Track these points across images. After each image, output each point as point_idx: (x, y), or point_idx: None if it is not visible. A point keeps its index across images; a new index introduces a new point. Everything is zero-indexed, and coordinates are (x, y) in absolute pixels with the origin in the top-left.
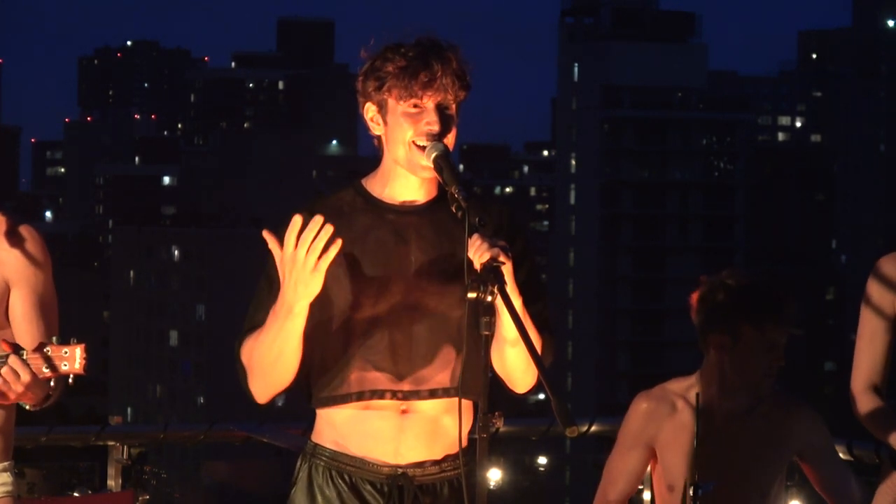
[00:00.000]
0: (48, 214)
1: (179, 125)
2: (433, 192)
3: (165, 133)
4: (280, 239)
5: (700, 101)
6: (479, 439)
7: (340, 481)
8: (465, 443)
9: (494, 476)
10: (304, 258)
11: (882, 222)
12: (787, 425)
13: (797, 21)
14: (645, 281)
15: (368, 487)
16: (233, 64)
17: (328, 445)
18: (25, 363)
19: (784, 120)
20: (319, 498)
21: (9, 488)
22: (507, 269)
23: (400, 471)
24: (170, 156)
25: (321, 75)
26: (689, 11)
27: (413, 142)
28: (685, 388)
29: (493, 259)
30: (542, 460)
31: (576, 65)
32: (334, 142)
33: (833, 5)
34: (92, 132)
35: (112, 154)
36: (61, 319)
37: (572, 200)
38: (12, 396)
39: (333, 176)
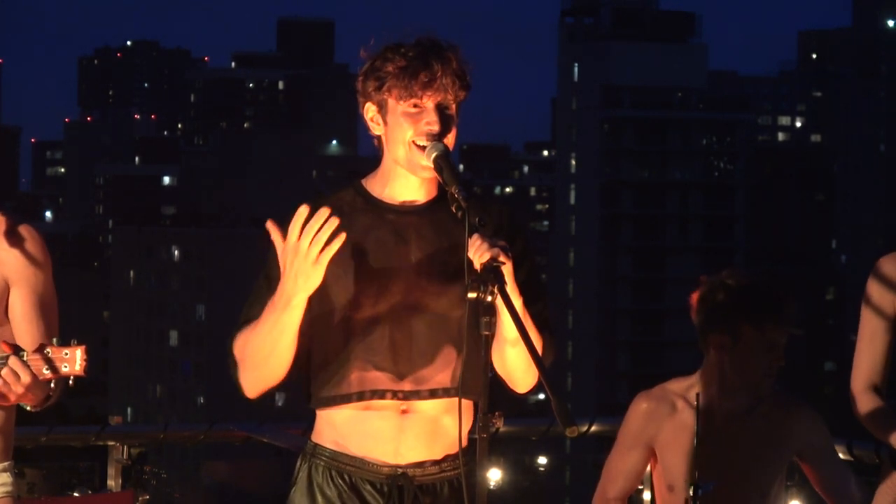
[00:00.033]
0: (48, 214)
1: (179, 125)
2: (433, 192)
3: (165, 133)
4: (284, 231)
5: (700, 101)
6: (479, 439)
7: (340, 481)
8: (465, 443)
9: (494, 476)
10: (307, 249)
11: (882, 222)
12: (787, 425)
13: (797, 21)
14: (645, 281)
15: (368, 487)
16: (233, 64)
17: (328, 445)
18: (26, 364)
19: (784, 120)
20: (319, 498)
21: (9, 488)
22: (507, 269)
23: (400, 471)
24: (170, 156)
25: (321, 75)
26: (689, 11)
27: (413, 142)
28: (685, 388)
29: (494, 259)
30: (542, 460)
31: (576, 65)
32: (334, 142)
33: (833, 5)
34: (92, 132)
35: (112, 154)
36: (61, 319)
37: (572, 200)
38: (12, 398)
39: (333, 176)
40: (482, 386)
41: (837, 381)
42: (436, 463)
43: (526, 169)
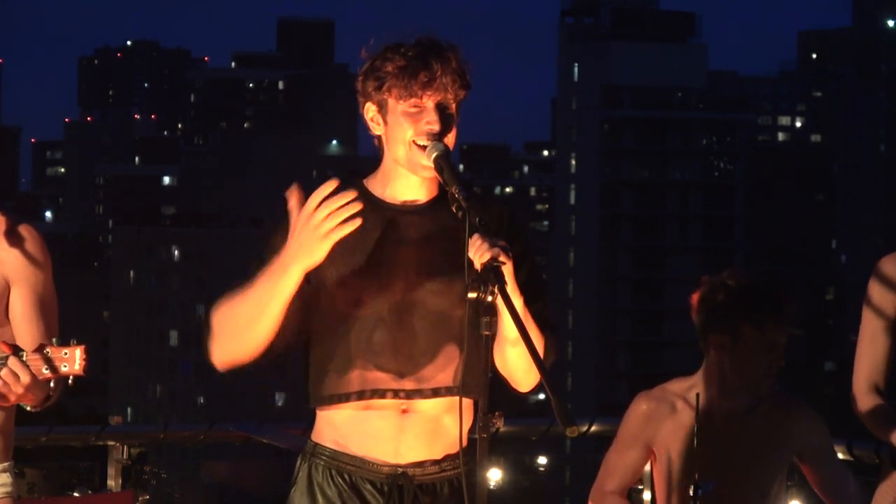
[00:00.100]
0: (48, 214)
1: (179, 125)
2: (434, 192)
3: (165, 133)
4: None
5: (700, 101)
6: (479, 439)
7: (340, 480)
8: (465, 442)
9: (494, 476)
10: (321, 221)
11: (882, 222)
12: (787, 425)
13: (797, 21)
14: (645, 281)
15: (368, 487)
16: (233, 64)
17: (328, 445)
18: (25, 364)
19: (784, 120)
20: (319, 497)
21: (9, 489)
22: (507, 269)
23: (400, 470)
24: (170, 156)
25: (321, 75)
26: (689, 11)
27: (413, 141)
28: (685, 389)
29: (494, 259)
30: (542, 460)
31: (576, 65)
32: (334, 142)
33: (833, 5)
34: (92, 132)
35: (112, 154)
36: (61, 319)
37: (572, 200)
38: (12, 398)
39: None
40: (482, 386)
41: (837, 381)
42: (436, 463)
43: (526, 169)
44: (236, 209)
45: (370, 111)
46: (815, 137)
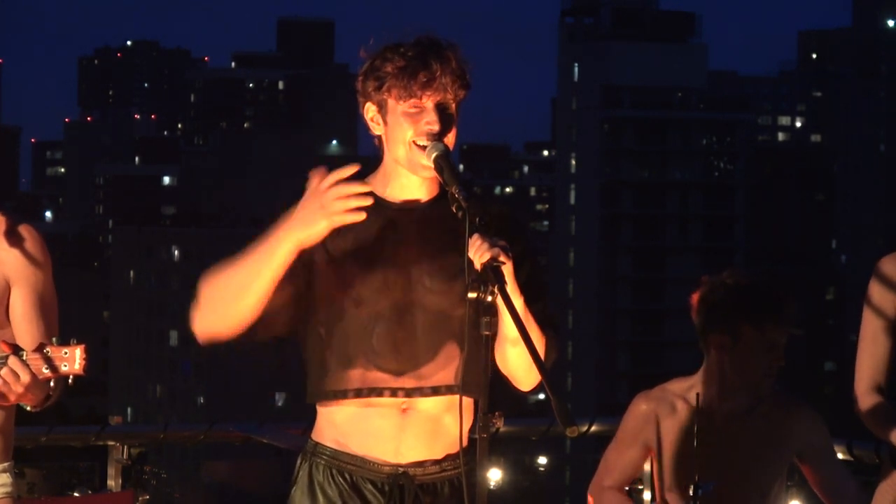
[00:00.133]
0: (48, 214)
1: (179, 125)
2: (434, 192)
3: (165, 133)
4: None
5: (700, 101)
6: (479, 439)
7: (341, 480)
8: (465, 442)
9: (494, 476)
10: (330, 200)
11: (882, 222)
12: (787, 425)
13: (797, 21)
14: (645, 281)
15: (369, 486)
16: (233, 64)
17: (329, 444)
18: (25, 364)
19: (784, 120)
20: (320, 497)
21: (9, 489)
22: (507, 269)
23: (401, 470)
24: (170, 156)
25: (321, 75)
26: (689, 11)
27: (413, 141)
28: (685, 389)
29: (494, 259)
30: (542, 460)
31: (576, 65)
32: (334, 142)
33: (833, 5)
34: (92, 132)
35: (112, 154)
36: (61, 319)
37: (572, 200)
38: (12, 397)
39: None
40: (482, 385)
41: (837, 381)
42: (436, 462)
43: (526, 169)
44: (236, 209)
45: (370, 111)
46: (815, 137)
